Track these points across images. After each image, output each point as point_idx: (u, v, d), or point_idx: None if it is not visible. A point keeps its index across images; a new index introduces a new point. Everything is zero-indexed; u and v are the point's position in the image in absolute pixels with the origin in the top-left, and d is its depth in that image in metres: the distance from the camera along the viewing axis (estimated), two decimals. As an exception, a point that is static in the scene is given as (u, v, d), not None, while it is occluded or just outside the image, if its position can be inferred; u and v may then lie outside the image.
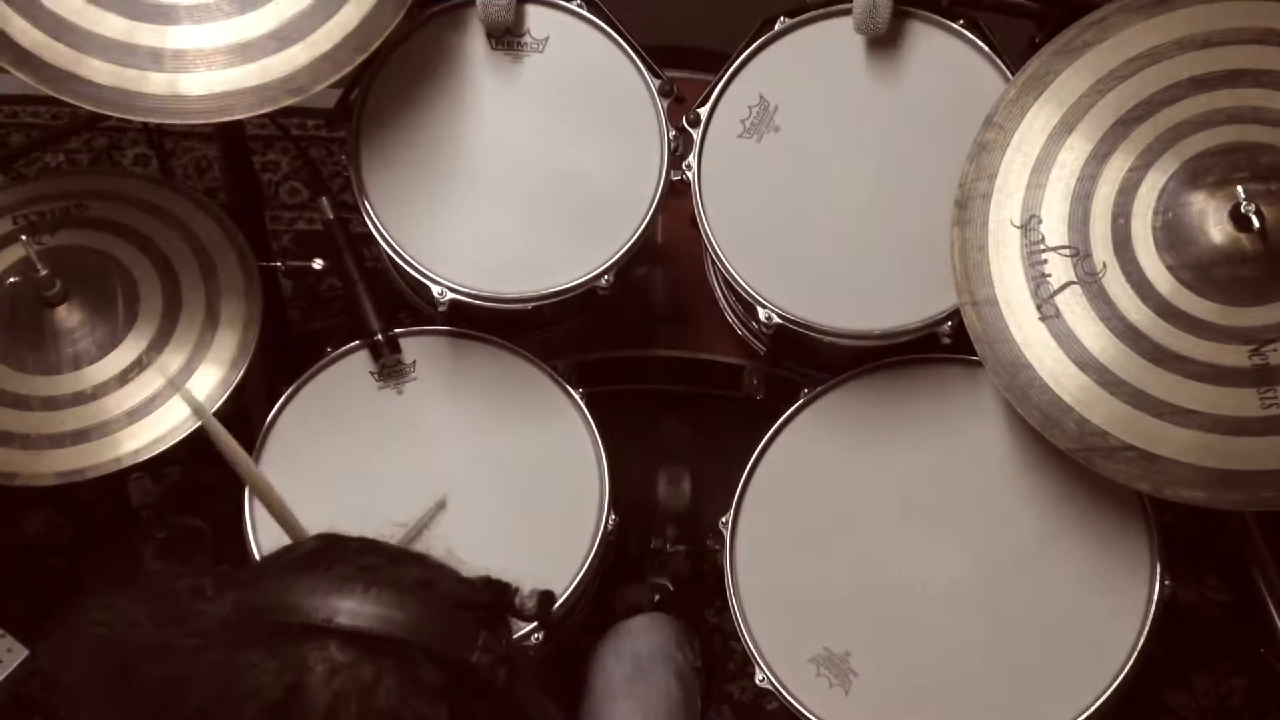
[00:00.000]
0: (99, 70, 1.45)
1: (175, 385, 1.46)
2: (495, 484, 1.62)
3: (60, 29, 1.45)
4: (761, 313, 1.57)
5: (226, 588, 0.80)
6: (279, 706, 0.74)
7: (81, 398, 1.55)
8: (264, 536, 1.54)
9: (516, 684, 0.81)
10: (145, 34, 1.46)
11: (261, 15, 1.49)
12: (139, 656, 0.78)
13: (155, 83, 1.45)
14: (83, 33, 1.45)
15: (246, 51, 1.47)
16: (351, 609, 0.77)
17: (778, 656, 1.53)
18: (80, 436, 1.54)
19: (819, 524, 1.59)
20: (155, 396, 1.56)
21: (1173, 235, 1.39)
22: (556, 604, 0.87)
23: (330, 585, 0.78)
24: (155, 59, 1.45)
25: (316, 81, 1.47)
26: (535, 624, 0.86)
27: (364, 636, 0.76)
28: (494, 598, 0.84)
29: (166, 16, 1.48)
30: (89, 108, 1.44)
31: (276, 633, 0.76)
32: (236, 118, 1.48)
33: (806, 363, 1.70)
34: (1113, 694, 1.47)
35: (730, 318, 1.76)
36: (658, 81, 1.63)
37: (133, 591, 0.84)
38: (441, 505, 1.57)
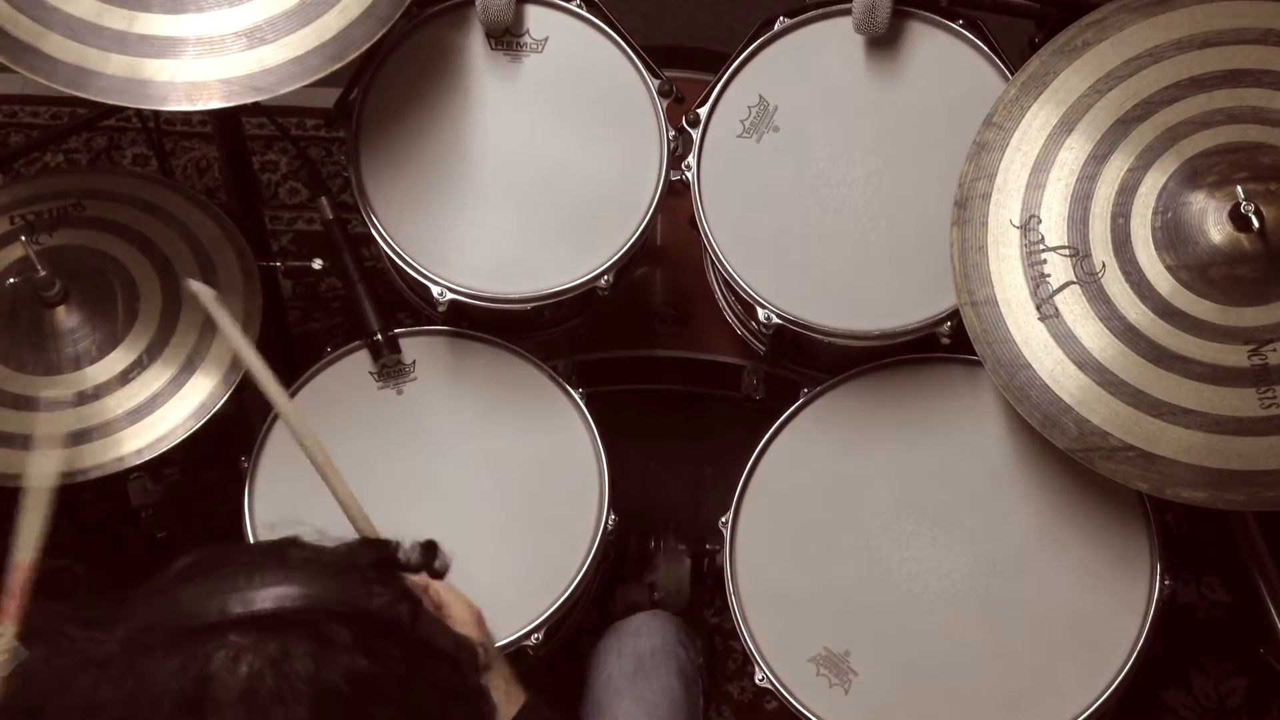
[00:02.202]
0: (60, 46, 1.44)
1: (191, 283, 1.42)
2: (495, 484, 1.62)
3: (28, 3, 1.45)
4: (761, 313, 1.57)
5: (113, 618, 0.79)
6: (191, 700, 0.73)
7: (82, 398, 1.55)
8: (264, 536, 1.54)
9: (419, 619, 0.81)
10: (114, 17, 1.46)
11: (239, 12, 1.48)
12: (43, 699, 0.77)
13: (116, 64, 1.45)
14: (49, 8, 1.45)
15: (216, 45, 1.47)
16: (242, 598, 0.77)
17: (777, 656, 1.54)
18: (81, 437, 1.54)
19: (819, 524, 1.59)
20: (156, 396, 1.56)
21: (1172, 235, 1.39)
22: (438, 553, 0.87)
23: (215, 585, 0.78)
24: (119, 41, 1.45)
25: (283, 84, 1.47)
26: (427, 575, 0.86)
27: (260, 618, 0.76)
28: (377, 554, 0.84)
29: (139, 3, 1.47)
30: (42, 81, 1.43)
31: (172, 640, 0.76)
32: (195, 108, 1.47)
33: (806, 363, 1.70)
34: (1113, 694, 1.47)
35: (730, 318, 1.76)
36: (657, 81, 1.63)
37: (24, 640, 0.83)
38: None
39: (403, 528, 0.89)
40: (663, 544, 1.91)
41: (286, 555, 0.82)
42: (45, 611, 0.82)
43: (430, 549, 0.87)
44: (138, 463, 1.54)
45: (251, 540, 1.57)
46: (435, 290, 1.59)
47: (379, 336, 1.64)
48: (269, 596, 0.77)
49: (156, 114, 2.04)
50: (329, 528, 0.86)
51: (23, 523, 1.09)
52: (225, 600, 0.77)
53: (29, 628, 0.85)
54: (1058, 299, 1.41)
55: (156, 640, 0.76)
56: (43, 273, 1.53)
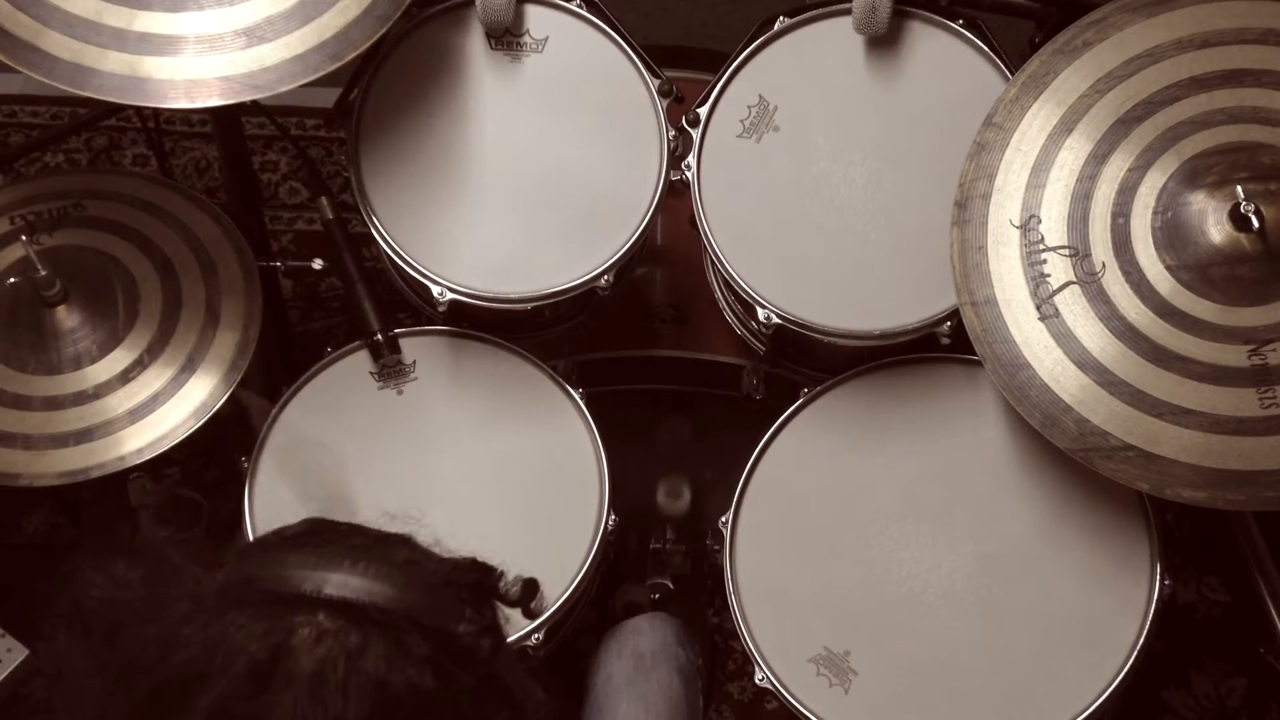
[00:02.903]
0: (58, 43, 1.45)
1: None
2: (495, 484, 1.62)
3: (27, 1, 1.45)
4: (761, 313, 1.57)
5: (218, 561, 0.82)
6: (264, 667, 0.75)
7: (83, 397, 1.55)
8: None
9: (500, 657, 0.82)
10: (113, 15, 1.46)
11: (238, 10, 1.48)
12: (129, 617, 0.79)
13: (115, 62, 1.45)
14: (49, 6, 1.45)
15: (215, 43, 1.47)
16: (340, 580, 0.78)
17: (777, 656, 1.54)
18: (82, 436, 1.54)
19: (819, 523, 1.59)
20: (157, 395, 1.56)
21: (1172, 235, 1.39)
22: (538, 594, 0.88)
23: (319, 559, 0.80)
24: (119, 39, 1.45)
25: (282, 82, 1.47)
26: (520, 613, 0.87)
27: (351, 606, 0.78)
28: (479, 578, 0.86)
29: (139, 0, 1.47)
30: (41, 79, 1.43)
31: (265, 600, 0.77)
32: (194, 106, 1.47)
33: (806, 363, 1.70)
34: (1113, 693, 1.47)
35: (730, 318, 1.76)
36: (657, 81, 1.63)
37: (127, 554, 0.85)
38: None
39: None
40: (663, 544, 1.91)
41: (393, 552, 0.83)
42: (159, 536, 0.84)
43: (531, 588, 0.88)
44: (138, 462, 1.54)
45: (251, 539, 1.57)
46: (435, 290, 1.59)
47: (379, 336, 1.64)
48: (364, 587, 0.78)
49: (156, 114, 2.04)
50: (446, 539, 0.86)
51: None
52: (324, 578, 0.78)
53: (138, 544, 0.87)
54: (1058, 299, 1.41)
55: (251, 596, 0.77)
56: (43, 273, 1.53)
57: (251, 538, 1.58)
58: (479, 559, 0.86)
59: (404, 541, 0.85)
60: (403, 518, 0.88)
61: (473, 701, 0.79)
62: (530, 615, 0.88)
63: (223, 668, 0.75)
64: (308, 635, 0.76)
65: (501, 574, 0.87)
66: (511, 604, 0.87)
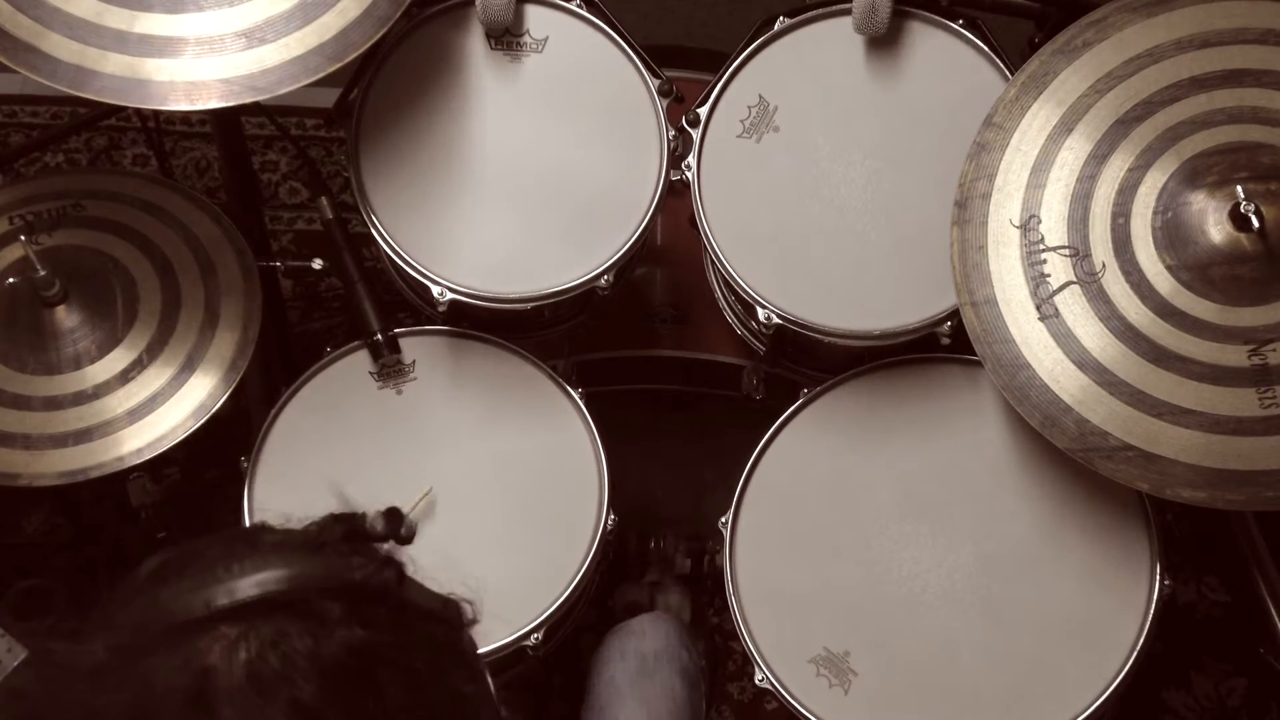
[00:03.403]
0: (60, 45, 1.44)
1: None
2: (495, 484, 1.62)
3: (29, 2, 1.45)
4: (761, 313, 1.57)
5: (94, 626, 0.79)
6: (198, 695, 0.73)
7: (82, 397, 1.55)
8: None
9: (405, 581, 0.81)
10: (114, 16, 1.46)
11: (238, 11, 1.48)
12: (42, 716, 0.77)
13: (116, 64, 1.45)
14: (50, 8, 1.45)
15: (215, 45, 1.47)
16: (224, 589, 0.76)
17: (777, 656, 1.54)
18: (82, 436, 1.54)
19: (819, 524, 1.59)
20: (156, 395, 1.56)
21: (1172, 235, 1.39)
22: (403, 519, 0.88)
23: (193, 581, 0.78)
24: (119, 41, 1.45)
25: (282, 84, 1.47)
26: (394, 543, 0.86)
27: (247, 605, 0.76)
28: (346, 527, 0.84)
29: (139, 2, 1.48)
30: (42, 81, 1.44)
31: (163, 639, 0.75)
32: (195, 108, 1.47)
33: (806, 363, 1.70)
34: (1112, 694, 1.47)
35: (730, 318, 1.76)
36: (657, 81, 1.63)
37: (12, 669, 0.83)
38: (427, 495, 1.57)
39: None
40: (663, 544, 1.92)
41: (258, 541, 0.81)
42: (25, 631, 0.82)
43: (394, 516, 0.87)
44: (137, 462, 1.54)
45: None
46: (435, 290, 1.59)
47: (379, 336, 1.64)
48: (251, 583, 0.77)
49: (156, 114, 2.04)
50: (293, 512, 0.86)
51: None
52: (209, 593, 0.76)
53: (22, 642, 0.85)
54: (1058, 299, 1.41)
55: (146, 642, 0.75)
56: (43, 273, 1.53)
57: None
58: (336, 512, 0.85)
59: (259, 529, 0.84)
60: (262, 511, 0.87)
61: (404, 631, 0.79)
62: (403, 541, 0.87)
63: (159, 713, 0.73)
64: (222, 649, 0.74)
65: (364, 514, 0.86)
66: (383, 538, 0.86)
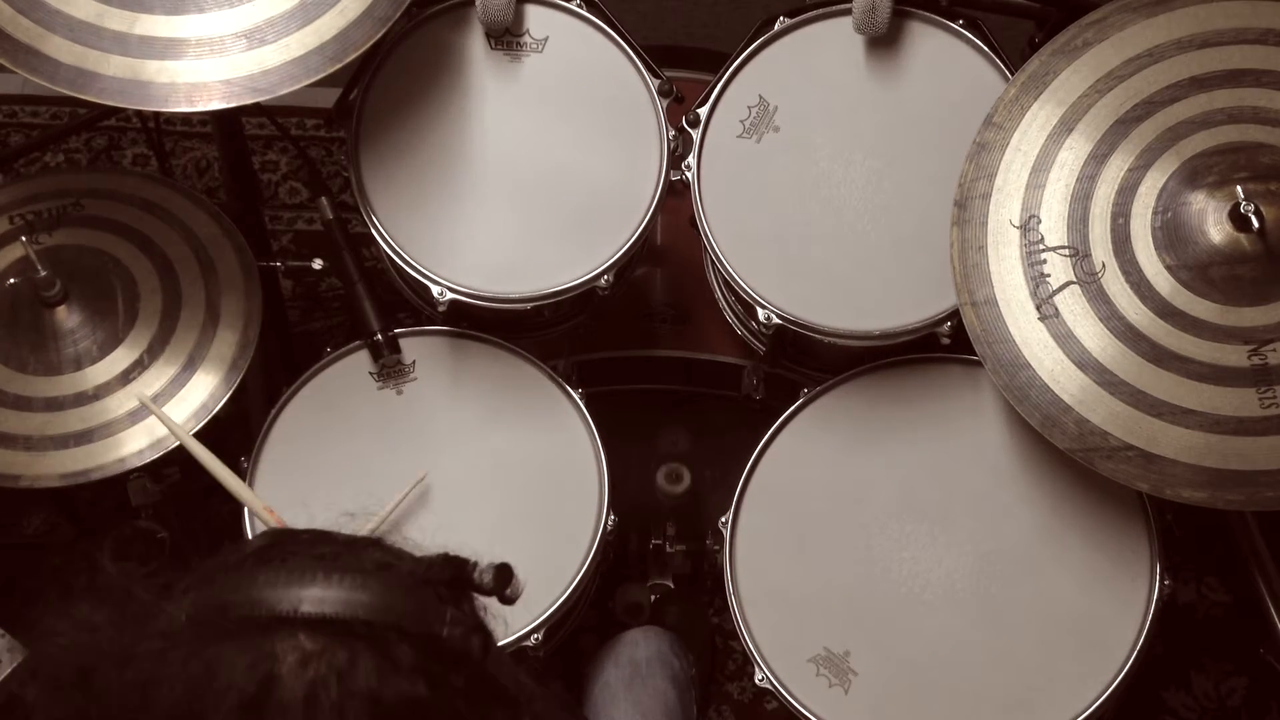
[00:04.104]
0: (60, 47, 1.45)
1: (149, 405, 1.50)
2: (495, 484, 1.62)
3: (29, 5, 1.45)
4: (761, 313, 1.57)
5: (185, 588, 0.79)
6: (254, 700, 0.73)
7: (83, 398, 1.55)
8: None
9: (490, 654, 0.81)
10: (114, 18, 1.46)
11: (239, 13, 1.49)
12: (102, 663, 0.76)
13: (116, 66, 1.45)
14: (50, 10, 1.45)
15: (216, 46, 1.47)
16: (315, 596, 0.76)
17: (777, 656, 1.54)
18: (83, 437, 1.54)
19: (819, 524, 1.59)
20: (156, 396, 1.56)
21: (1172, 235, 1.39)
22: (513, 579, 0.87)
23: (290, 576, 0.77)
24: (120, 43, 1.45)
25: (283, 84, 1.47)
26: (497, 600, 0.85)
27: (331, 622, 0.75)
28: (454, 573, 0.83)
29: (139, 4, 1.48)
30: (43, 83, 1.44)
31: (242, 628, 0.75)
32: (195, 110, 1.47)
33: (806, 363, 1.70)
34: (1113, 694, 1.47)
35: (730, 318, 1.76)
36: (657, 81, 1.63)
37: (90, 596, 0.82)
38: (421, 481, 1.57)
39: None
40: (663, 544, 1.92)
41: (364, 557, 0.80)
42: (120, 571, 0.81)
43: (505, 573, 0.86)
44: (138, 463, 1.54)
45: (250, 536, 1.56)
46: (435, 290, 1.59)
47: (379, 336, 1.64)
48: (342, 601, 0.76)
49: (156, 114, 2.04)
50: (332, 516, 0.86)
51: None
52: (300, 595, 0.76)
53: (99, 584, 0.84)
54: (1058, 299, 1.41)
55: (227, 625, 0.75)
56: (43, 273, 1.53)
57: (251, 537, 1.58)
58: (451, 553, 0.84)
59: (373, 544, 0.83)
60: (362, 515, 0.86)
61: (468, 704, 0.77)
62: (506, 601, 0.85)
63: (214, 707, 0.73)
64: (294, 661, 0.73)
65: (475, 564, 0.85)
66: (488, 593, 0.85)
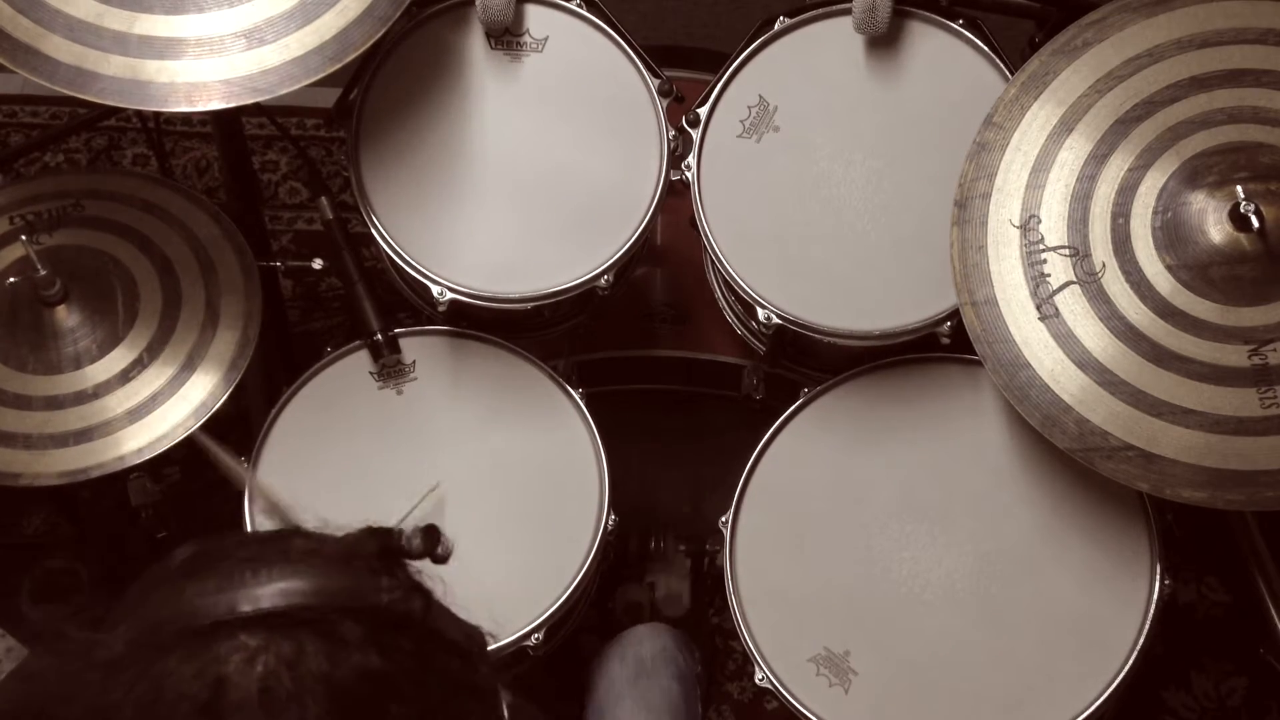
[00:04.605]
0: (60, 47, 1.45)
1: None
2: (495, 484, 1.62)
3: (29, 4, 1.45)
4: (761, 313, 1.57)
5: (117, 617, 0.78)
6: (209, 706, 0.72)
7: (83, 397, 1.55)
8: (262, 525, 1.55)
9: (433, 610, 0.80)
10: (114, 18, 1.46)
11: (238, 12, 1.49)
12: (48, 705, 0.76)
13: (116, 65, 1.45)
14: (50, 10, 1.46)
15: (216, 46, 1.47)
16: (249, 595, 0.75)
17: (777, 656, 1.54)
18: (83, 436, 1.54)
19: (819, 524, 1.59)
20: (157, 395, 1.56)
21: (1172, 235, 1.39)
22: (440, 538, 0.86)
23: (220, 582, 0.77)
24: (120, 43, 1.45)
25: (283, 84, 1.47)
26: (429, 561, 0.85)
27: (270, 616, 0.75)
28: (381, 543, 0.82)
29: (139, 4, 1.48)
30: (42, 83, 1.44)
31: (181, 640, 0.75)
32: (195, 110, 1.47)
33: (806, 363, 1.70)
34: (1113, 694, 1.47)
35: (730, 318, 1.76)
36: (657, 81, 1.63)
37: (27, 644, 0.82)
38: (435, 490, 1.57)
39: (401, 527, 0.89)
40: (663, 544, 1.92)
41: (289, 547, 0.80)
42: (47, 613, 0.81)
43: (432, 534, 0.85)
44: (138, 462, 1.54)
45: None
46: (435, 290, 1.59)
47: (379, 336, 1.64)
48: (277, 592, 0.76)
49: (156, 114, 2.04)
50: (332, 517, 0.86)
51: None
52: (233, 597, 0.75)
53: (30, 630, 0.84)
54: (1058, 299, 1.41)
55: (165, 641, 0.75)
56: (43, 272, 1.53)
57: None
58: (372, 524, 0.83)
59: (293, 533, 0.83)
60: (286, 508, 0.86)
61: (421, 663, 0.77)
62: (438, 561, 0.85)
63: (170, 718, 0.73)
64: (240, 660, 0.73)
65: (400, 531, 0.84)
66: (418, 556, 0.84)
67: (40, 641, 0.80)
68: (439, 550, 0.85)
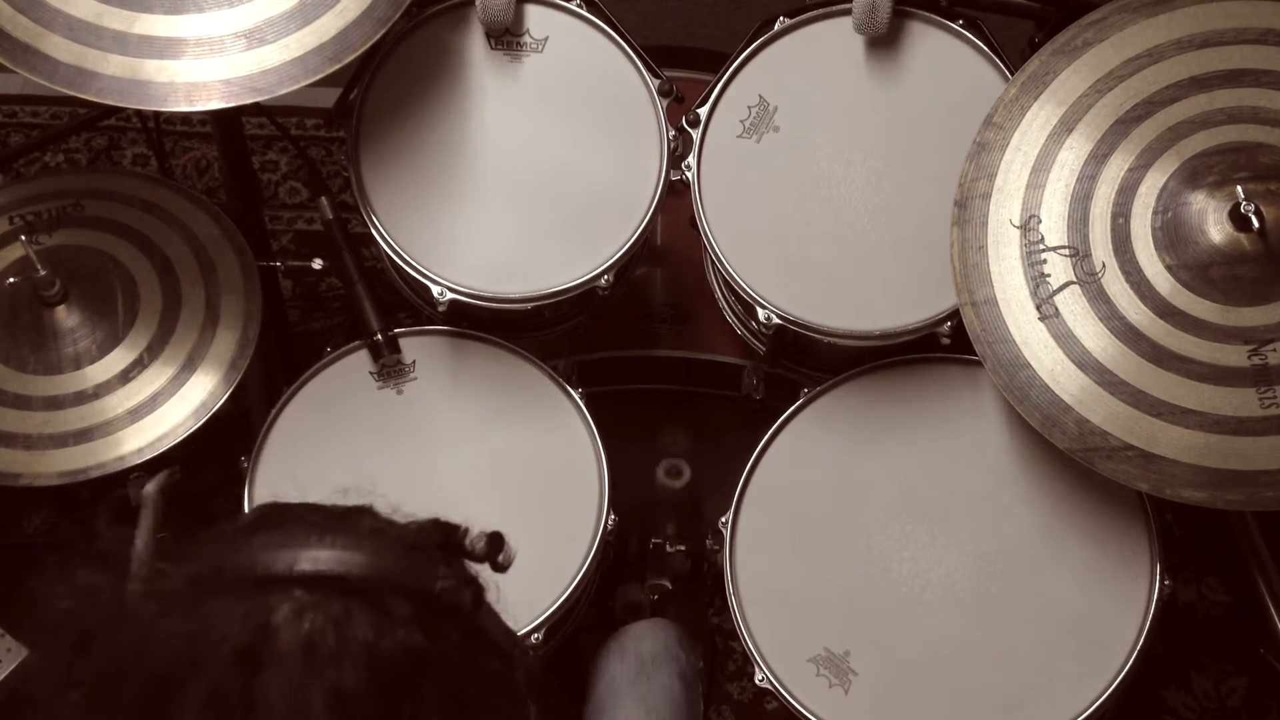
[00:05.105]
0: (59, 46, 1.45)
1: None
2: (495, 484, 1.62)
3: (29, 4, 1.45)
4: (761, 313, 1.57)
5: (183, 555, 0.81)
6: (251, 649, 0.74)
7: (83, 397, 1.55)
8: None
9: (482, 608, 0.82)
10: (114, 18, 1.47)
11: (238, 12, 1.49)
12: (99, 625, 0.78)
13: (116, 65, 1.45)
14: (50, 9, 1.46)
15: (216, 46, 1.47)
16: (311, 555, 0.78)
17: (777, 656, 1.53)
18: (83, 436, 1.54)
19: (819, 524, 1.59)
20: (157, 395, 1.56)
21: (1172, 235, 1.39)
22: (504, 546, 0.88)
23: (285, 539, 0.79)
24: (119, 42, 1.46)
25: (282, 84, 1.47)
26: (489, 567, 0.87)
27: (327, 578, 0.77)
28: (445, 536, 0.85)
29: (139, 3, 1.48)
30: (42, 82, 1.44)
31: (239, 585, 0.77)
32: (195, 109, 1.47)
33: (806, 363, 1.70)
34: (1113, 694, 1.47)
35: (730, 318, 1.76)
36: (657, 81, 1.63)
37: (89, 561, 0.84)
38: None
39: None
40: (663, 544, 1.91)
41: (358, 523, 0.83)
42: (118, 536, 0.82)
43: (497, 541, 0.88)
44: (138, 462, 1.54)
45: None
46: (435, 290, 1.59)
47: (379, 336, 1.64)
48: (337, 559, 0.78)
49: (156, 114, 2.04)
50: (402, 503, 0.87)
51: None
52: (295, 555, 0.77)
53: (98, 550, 0.86)
54: (1058, 299, 1.41)
55: (223, 584, 0.77)
56: (43, 272, 1.53)
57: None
58: (441, 519, 0.86)
59: (364, 511, 0.85)
60: (357, 491, 0.88)
61: (464, 655, 0.79)
62: (498, 569, 0.87)
63: (209, 657, 0.74)
64: (289, 611, 0.75)
65: (466, 530, 0.87)
66: (479, 559, 0.87)
67: (108, 562, 0.83)
68: (500, 558, 0.88)
